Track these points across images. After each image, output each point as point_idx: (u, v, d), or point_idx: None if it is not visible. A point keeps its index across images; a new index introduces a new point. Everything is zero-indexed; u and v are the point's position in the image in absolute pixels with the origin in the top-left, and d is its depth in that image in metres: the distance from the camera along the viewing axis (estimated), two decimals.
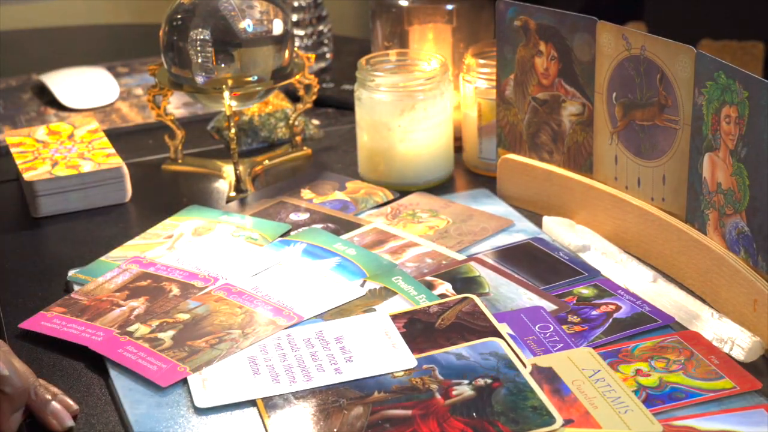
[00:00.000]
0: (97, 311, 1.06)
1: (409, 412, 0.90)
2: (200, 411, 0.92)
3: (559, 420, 0.88)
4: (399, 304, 1.06)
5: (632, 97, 1.12)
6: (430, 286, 1.08)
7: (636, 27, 1.81)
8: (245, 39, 1.28)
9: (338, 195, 1.29)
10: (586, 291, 1.07)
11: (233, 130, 1.31)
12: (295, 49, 1.37)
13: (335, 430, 0.88)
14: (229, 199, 1.31)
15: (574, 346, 0.98)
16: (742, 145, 0.98)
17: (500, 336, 0.98)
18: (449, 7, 1.37)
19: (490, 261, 1.13)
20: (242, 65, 1.29)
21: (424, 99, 1.27)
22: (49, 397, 0.93)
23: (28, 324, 1.05)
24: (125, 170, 1.31)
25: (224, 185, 1.35)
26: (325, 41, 1.70)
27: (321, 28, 1.68)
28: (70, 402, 0.94)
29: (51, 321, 1.05)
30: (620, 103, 1.13)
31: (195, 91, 1.31)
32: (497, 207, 1.25)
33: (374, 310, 1.05)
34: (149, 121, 1.53)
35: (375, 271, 1.11)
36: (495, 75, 1.26)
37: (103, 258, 1.17)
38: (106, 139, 1.37)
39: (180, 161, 1.40)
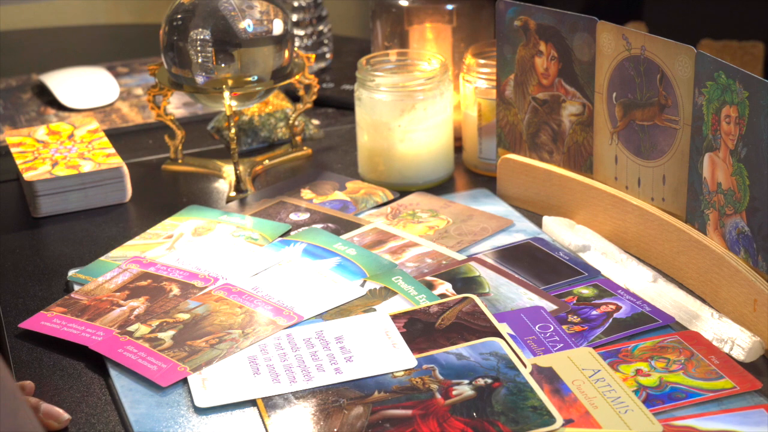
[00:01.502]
0: (97, 311, 1.06)
1: (409, 412, 0.90)
2: (200, 411, 0.92)
3: (559, 420, 0.88)
4: (399, 304, 1.06)
5: (632, 97, 1.12)
6: (430, 286, 1.08)
7: (636, 27, 1.81)
8: (245, 39, 1.28)
9: (338, 195, 1.29)
10: (586, 291, 1.07)
11: (233, 130, 1.31)
12: (295, 49, 1.37)
13: (335, 430, 0.88)
14: (229, 199, 1.31)
15: (574, 346, 0.98)
16: (742, 145, 0.98)
17: (500, 336, 0.98)
18: (449, 7, 1.37)
19: (490, 261, 1.13)
20: (242, 65, 1.29)
21: (424, 99, 1.27)
22: (33, 401, 0.93)
23: (28, 324, 1.05)
24: (125, 170, 1.31)
25: (224, 185, 1.35)
26: (325, 41, 1.70)
27: (321, 28, 1.68)
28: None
29: (51, 321, 1.05)
30: (620, 103, 1.13)
31: (195, 91, 1.31)
32: (497, 207, 1.25)
33: (374, 310, 1.05)
34: (149, 121, 1.53)
35: (375, 271, 1.11)
36: (495, 75, 1.26)
37: (103, 258, 1.17)
38: (106, 139, 1.37)
39: (180, 161, 1.40)
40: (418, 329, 1.01)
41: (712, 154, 1.03)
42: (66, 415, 0.93)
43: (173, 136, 1.39)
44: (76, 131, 1.39)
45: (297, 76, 1.35)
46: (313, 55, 1.38)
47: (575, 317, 1.02)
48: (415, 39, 1.39)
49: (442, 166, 1.31)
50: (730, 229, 1.02)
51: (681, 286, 1.08)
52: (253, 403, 0.93)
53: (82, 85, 1.61)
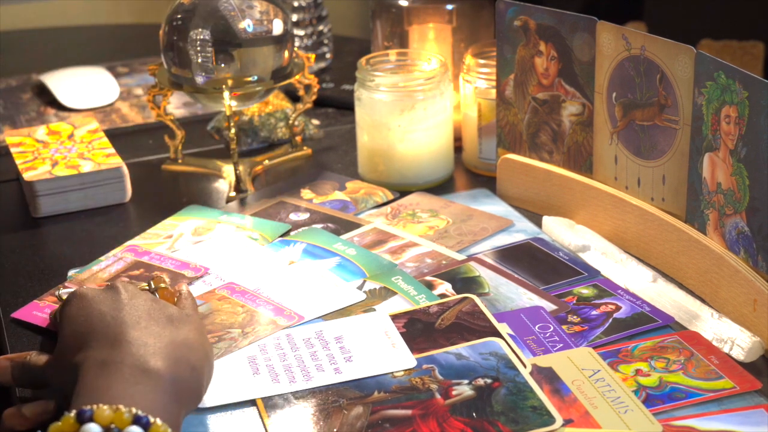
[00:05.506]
0: None
1: (409, 412, 0.90)
2: (200, 411, 0.92)
3: (559, 420, 0.88)
4: (399, 304, 1.06)
5: (632, 97, 1.12)
6: (430, 286, 1.08)
7: (636, 27, 1.81)
8: (245, 39, 1.28)
9: (338, 195, 1.29)
10: (586, 291, 1.07)
11: (233, 130, 1.31)
12: (295, 49, 1.37)
13: (335, 430, 0.88)
14: (229, 199, 1.31)
15: (574, 346, 0.98)
16: (742, 145, 0.98)
17: (500, 336, 0.98)
18: (449, 7, 1.37)
19: (490, 261, 1.13)
20: (242, 65, 1.29)
21: (424, 99, 1.27)
22: (11, 410, 0.91)
23: (20, 314, 1.06)
24: (125, 170, 1.31)
25: (224, 185, 1.35)
26: (325, 41, 1.70)
27: (321, 28, 1.68)
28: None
29: (43, 311, 1.05)
30: (620, 103, 1.13)
31: (195, 91, 1.31)
32: (497, 207, 1.25)
33: (374, 309, 1.05)
34: (149, 121, 1.53)
35: (375, 271, 1.11)
36: (495, 75, 1.26)
37: (102, 258, 1.17)
38: (106, 139, 1.37)
39: (180, 161, 1.40)
40: (417, 329, 1.01)
41: (712, 154, 1.03)
42: (50, 403, 0.91)
43: (173, 136, 1.39)
44: (76, 131, 1.39)
45: (297, 76, 1.35)
46: (313, 55, 1.38)
47: (575, 317, 1.02)
48: (415, 39, 1.39)
49: (442, 166, 1.31)
50: (729, 229, 1.02)
51: (681, 286, 1.08)
52: (252, 403, 0.93)
53: (82, 85, 1.61)
